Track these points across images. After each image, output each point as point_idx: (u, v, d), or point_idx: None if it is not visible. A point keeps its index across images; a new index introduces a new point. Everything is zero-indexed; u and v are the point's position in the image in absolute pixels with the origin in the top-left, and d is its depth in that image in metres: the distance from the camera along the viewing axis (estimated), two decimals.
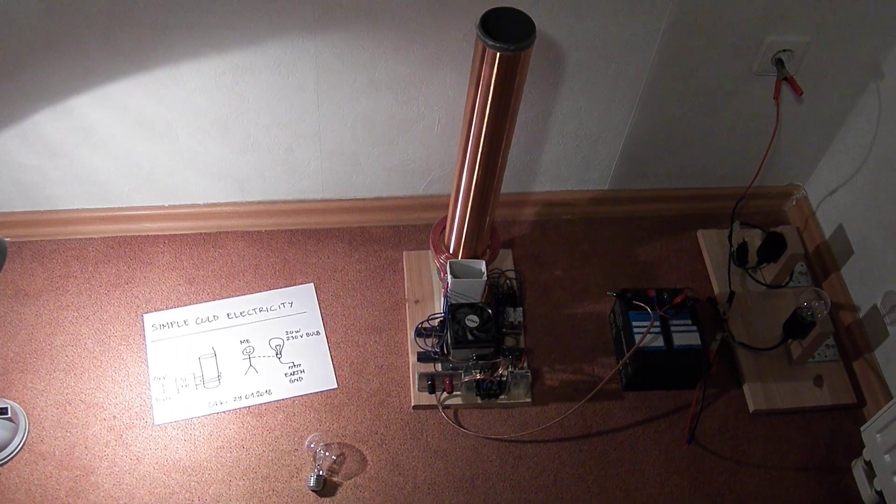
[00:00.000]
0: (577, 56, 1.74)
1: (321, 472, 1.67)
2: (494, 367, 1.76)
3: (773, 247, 1.95)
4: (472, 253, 1.83)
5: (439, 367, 1.78)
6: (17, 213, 1.94)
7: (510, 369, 1.76)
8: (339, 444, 1.73)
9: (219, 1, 1.54)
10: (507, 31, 1.39)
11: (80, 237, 1.98)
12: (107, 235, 1.99)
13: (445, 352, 1.80)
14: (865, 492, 1.72)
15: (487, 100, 1.47)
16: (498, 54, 1.39)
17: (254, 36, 1.62)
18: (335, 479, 1.69)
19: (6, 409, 1.65)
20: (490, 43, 1.38)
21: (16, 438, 1.67)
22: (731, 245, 2.02)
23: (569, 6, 1.64)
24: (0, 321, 1.84)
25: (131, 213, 1.97)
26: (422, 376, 1.77)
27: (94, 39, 1.58)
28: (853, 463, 1.78)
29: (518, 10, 1.43)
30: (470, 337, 1.74)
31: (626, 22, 1.68)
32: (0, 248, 1.44)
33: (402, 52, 1.69)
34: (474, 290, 1.78)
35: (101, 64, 1.63)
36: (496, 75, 1.43)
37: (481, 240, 1.81)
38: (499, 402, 1.80)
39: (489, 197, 1.69)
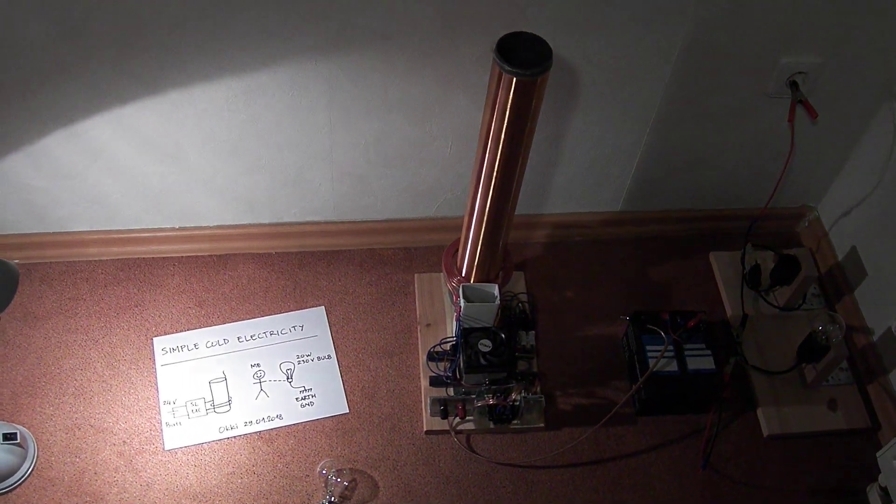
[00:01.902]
0: (591, 78, 1.73)
1: (333, 499, 1.65)
2: (507, 392, 1.75)
3: (787, 269, 1.94)
4: (484, 276, 1.81)
5: (451, 391, 1.77)
6: (26, 234, 1.93)
7: (523, 394, 1.74)
8: (350, 469, 1.71)
9: (231, 23, 1.53)
10: (523, 56, 1.38)
11: (90, 259, 1.97)
12: (116, 258, 1.97)
13: (458, 376, 1.78)
14: None
15: (503, 124, 1.46)
16: (514, 79, 1.38)
17: (266, 57, 1.61)
18: None
19: (15, 434, 1.63)
20: (507, 68, 1.37)
21: (24, 464, 1.65)
22: (744, 267, 2.01)
23: (583, 29, 1.63)
24: (9, 344, 1.83)
25: (141, 235, 1.96)
26: (434, 401, 1.75)
27: (106, 62, 1.57)
28: (868, 488, 1.76)
29: (534, 35, 1.41)
30: (483, 362, 1.72)
31: (640, 44, 1.67)
32: (13, 274, 1.42)
33: (414, 74, 1.68)
34: (487, 315, 1.76)
35: (112, 86, 1.62)
36: (512, 100, 1.42)
37: (494, 263, 1.80)
38: (511, 427, 1.78)
39: (503, 221, 1.68)
